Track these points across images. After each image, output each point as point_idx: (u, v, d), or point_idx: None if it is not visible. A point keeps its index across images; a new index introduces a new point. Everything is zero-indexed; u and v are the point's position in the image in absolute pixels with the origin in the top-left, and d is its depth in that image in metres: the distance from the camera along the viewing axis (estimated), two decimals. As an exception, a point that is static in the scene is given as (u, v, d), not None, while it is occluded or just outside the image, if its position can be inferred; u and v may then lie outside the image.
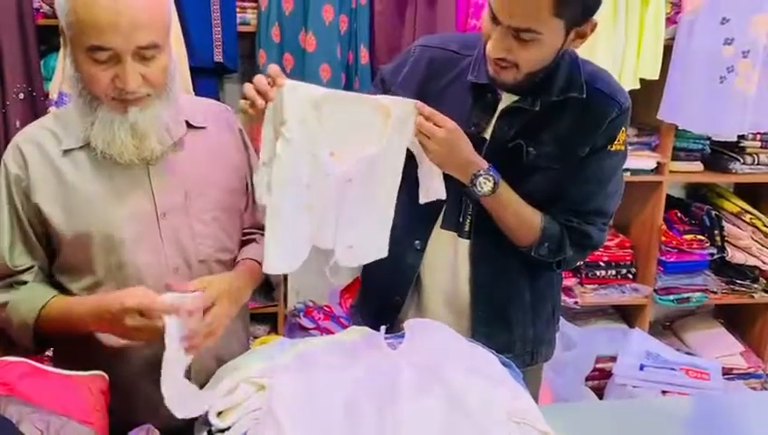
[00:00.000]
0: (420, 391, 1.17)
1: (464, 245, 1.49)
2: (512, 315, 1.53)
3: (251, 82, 1.20)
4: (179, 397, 1.14)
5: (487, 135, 1.42)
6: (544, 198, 1.43)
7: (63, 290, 1.32)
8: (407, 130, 1.29)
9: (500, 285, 1.50)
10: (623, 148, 1.44)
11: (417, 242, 1.49)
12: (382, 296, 1.57)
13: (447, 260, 1.50)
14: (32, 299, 1.28)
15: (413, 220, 1.46)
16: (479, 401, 1.15)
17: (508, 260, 1.48)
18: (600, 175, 1.43)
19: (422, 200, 1.37)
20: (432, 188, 1.36)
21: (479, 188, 1.35)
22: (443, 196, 1.36)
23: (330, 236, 1.30)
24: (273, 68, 1.20)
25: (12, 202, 1.29)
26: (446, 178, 1.36)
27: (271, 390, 1.15)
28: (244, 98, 1.20)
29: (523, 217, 1.42)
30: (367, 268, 1.61)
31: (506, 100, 1.41)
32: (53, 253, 1.33)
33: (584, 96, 1.38)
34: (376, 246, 1.34)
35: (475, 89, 1.42)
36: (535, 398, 1.45)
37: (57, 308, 1.27)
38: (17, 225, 1.30)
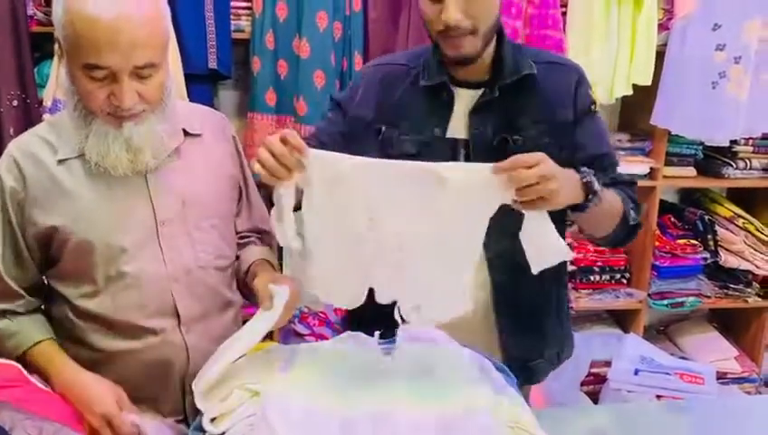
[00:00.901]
0: (415, 397, 1.17)
1: None
2: (542, 320, 1.54)
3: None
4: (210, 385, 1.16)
5: (458, 136, 1.42)
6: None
7: (61, 298, 1.33)
8: (491, 197, 1.16)
9: (524, 291, 1.47)
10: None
11: None
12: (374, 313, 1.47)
13: None
14: (16, 337, 1.30)
15: None
16: (473, 407, 1.15)
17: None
18: (601, 132, 1.48)
19: (538, 270, 1.21)
20: (551, 248, 1.19)
21: (594, 188, 1.25)
22: (568, 256, 1.21)
23: (385, 294, 1.24)
24: (294, 137, 1.15)
25: (6, 213, 1.28)
26: None
27: (265, 396, 1.14)
28: (261, 163, 1.14)
29: (612, 201, 1.36)
30: None
31: (462, 95, 1.42)
32: (49, 264, 1.33)
33: (535, 72, 1.41)
34: (451, 306, 1.24)
35: (428, 92, 1.43)
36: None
37: (37, 360, 1.29)
38: (9, 237, 1.30)
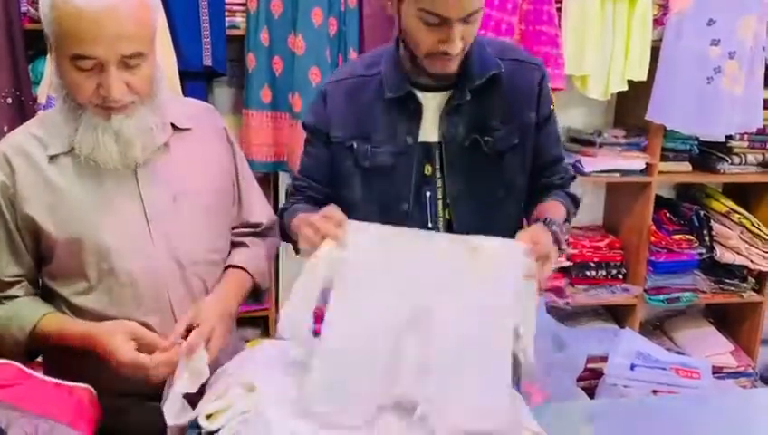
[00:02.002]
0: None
1: None
2: None
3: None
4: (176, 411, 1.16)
5: (430, 139, 1.42)
6: (529, 172, 1.47)
7: (56, 296, 1.32)
8: (514, 276, 1.16)
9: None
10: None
11: None
12: None
13: None
14: (21, 317, 1.29)
15: None
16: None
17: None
18: (557, 133, 1.55)
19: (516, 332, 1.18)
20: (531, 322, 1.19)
21: (561, 241, 1.31)
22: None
23: (401, 388, 1.14)
24: (336, 213, 1.20)
25: None
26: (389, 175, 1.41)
27: (261, 391, 1.14)
28: (304, 236, 1.19)
29: (560, 216, 1.42)
30: None
31: (429, 99, 1.41)
32: (42, 261, 1.33)
33: (502, 70, 1.41)
34: (478, 417, 1.12)
35: (394, 102, 1.42)
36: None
37: (49, 329, 1.28)
38: (4, 233, 1.29)
